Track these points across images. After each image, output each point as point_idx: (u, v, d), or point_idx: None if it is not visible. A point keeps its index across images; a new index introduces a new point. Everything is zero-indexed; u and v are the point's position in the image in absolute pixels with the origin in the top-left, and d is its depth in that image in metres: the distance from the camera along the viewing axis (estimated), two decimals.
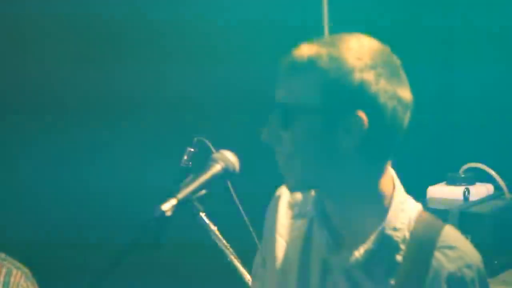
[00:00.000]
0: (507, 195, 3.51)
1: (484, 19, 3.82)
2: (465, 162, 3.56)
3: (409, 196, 1.94)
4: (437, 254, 1.84)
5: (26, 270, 3.65)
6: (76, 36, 3.83)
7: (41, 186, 3.88)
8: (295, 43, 1.92)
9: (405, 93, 1.85)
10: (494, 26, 3.78)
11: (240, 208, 2.60)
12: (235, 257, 2.46)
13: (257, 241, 2.54)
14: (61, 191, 3.91)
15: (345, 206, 1.89)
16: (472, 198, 3.43)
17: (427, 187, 3.51)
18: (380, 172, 1.88)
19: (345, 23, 3.61)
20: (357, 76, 1.79)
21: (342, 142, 1.81)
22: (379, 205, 1.88)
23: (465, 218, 3.22)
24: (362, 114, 1.79)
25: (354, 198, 1.87)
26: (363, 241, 1.87)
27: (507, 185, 3.51)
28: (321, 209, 1.94)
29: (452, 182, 3.52)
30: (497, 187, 3.54)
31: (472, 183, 3.51)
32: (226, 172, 1.91)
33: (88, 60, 3.84)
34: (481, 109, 3.77)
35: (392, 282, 1.85)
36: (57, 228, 3.82)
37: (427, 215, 1.92)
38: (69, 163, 3.87)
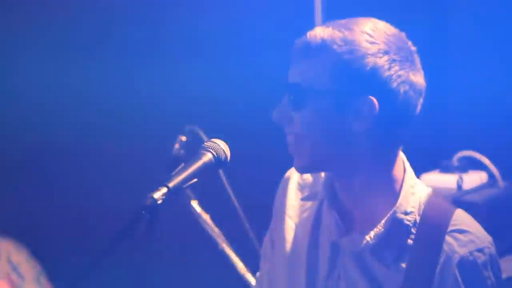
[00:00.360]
0: (501, 183, 3.51)
1: (480, 6, 3.81)
2: (459, 150, 3.56)
3: (418, 179, 1.94)
4: (448, 238, 1.84)
5: (12, 239, 3.64)
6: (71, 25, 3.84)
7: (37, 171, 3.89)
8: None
9: (418, 79, 1.86)
10: (489, 15, 3.77)
11: (233, 196, 2.60)
12: (227, 245, 2.46)
13: (248, 229, 2.54)
14: (54, 180, 3.91)
15: (356, 189, 1.90)
16: (466, 187, 3.42)
17: (419, 175, 3.50)
18: (391, 156, 1.89)
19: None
20: (370, 60, 1.80)
21: (353, 126, 1.83)
22: (390, 189, 1.89)
23: (459, 206, 3.21)
24: (373, 99, 1.80)
25: (364, 181, 1.88)
26: (373, 225, 1.87)
27: (501, 173, 3.51)
28: (331, 191, 1.95)
29: (445, 170, 3.52)
30: (490, 175, 3.54)
31: (465, 171, 3.51)
32: (218, 161, 1.90)
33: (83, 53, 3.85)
34: (474, 97, 3.77)
35: (403, 265, 1.85)
36: (49, 215, 3.82)
37: (437, 199, 1.93)
38: (62, 151, 3.88)
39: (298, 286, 1.98)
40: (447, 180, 3.44)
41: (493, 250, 1.87)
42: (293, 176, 2.07)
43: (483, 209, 3.24)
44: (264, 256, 2.15)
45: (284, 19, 3.68)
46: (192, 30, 3.85)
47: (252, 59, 3.74)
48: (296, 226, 2.02)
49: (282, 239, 2.03)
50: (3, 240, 3.70)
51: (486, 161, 3.52)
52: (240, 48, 3.80)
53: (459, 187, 3.41)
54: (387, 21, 1.89)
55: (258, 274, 2.19)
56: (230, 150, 1.92)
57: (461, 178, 3.42)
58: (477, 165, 3.54)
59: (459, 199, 3.27)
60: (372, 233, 1.86)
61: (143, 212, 1.76)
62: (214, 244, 2.47)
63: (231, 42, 3.81)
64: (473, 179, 3.49)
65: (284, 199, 2.06)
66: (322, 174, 1.99)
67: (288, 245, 2.02)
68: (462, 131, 3.80)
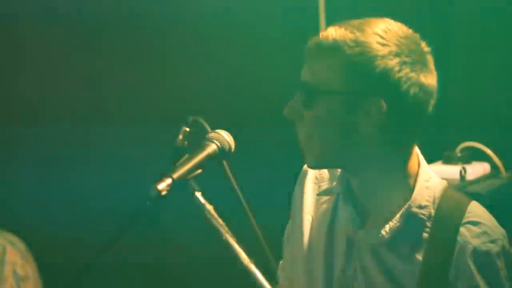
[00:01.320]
0: (504, 174, 3.51)
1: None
2: (461, 141, 3.56)
3: (433, 173, 1.96)
4: (462, 230, 1.87)
5: (21, 245, 3.63)
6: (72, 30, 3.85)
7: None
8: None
9: (430, 80, 1.88)
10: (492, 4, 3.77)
11: (236, 188, 2.61)
12: (231, 236, 2.46)
13: (252, 219, 2.55)
14: (58, 173, 3.92)
15: (369, 185, 1.93)
16: (469, 177, 3.42)
17: None
18: (404, 153, 1.92)
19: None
20: (380, 62, 1.82)
21: (362, 125, 1.86)
22: (404, 184, 1.92)
23: None
24: (381, 100, 1.83)
25: (376, 177, 1.91)
26: (389, 219, 1.90)
27: (504, 164, 3.51)
28: (346, 186, 1.97)
29: (448, 161, 3.52)
30: (493, 166, 3.54)
31: (468, 162, 3.51)
32: (222, 152, 1.90)
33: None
34: (477, 87, 3.77)
35: (419, 258, 1.87)
36: (53, 205, 3.83)
37: (452, 192, 1.95)
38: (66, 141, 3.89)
39: (316, 281, 2.01)
40: (450, 171, 3.44)
41: (506, 242, 1.90)
42: (311, 171, 2.09)
43: (486, 200, 3.24)
44: (286, 241, 2.19)
45: (287, 15, 3.69)
46: (196, 23, 3.86)
47: (257, 52, 3.75)
48: (313, 220, 2.06)
49: (300, 233, 2.07)
50: (8, 244, 3.68)
51: (489, 152, 3.52)
52: (243, 41, 3.81)
53: (462, 178, 3.41)
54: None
55: (281, 261, 2.21)
56: (234, 141, 1.92)
57: (464, 169, 3.42)
58: (480, 156, 3.54)
59: (462, 190, 3.27)
60: (387, 227, 1.89)
61: (148, 203, 1.77)
62: (218, 235, 2.47)
63: (235, 35, 3.81)
64: (476, 170, 3.49)
65: (302, 193, 2.09)
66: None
67: (306, 239, 2.05)
68: (465, 121, 3.80)
